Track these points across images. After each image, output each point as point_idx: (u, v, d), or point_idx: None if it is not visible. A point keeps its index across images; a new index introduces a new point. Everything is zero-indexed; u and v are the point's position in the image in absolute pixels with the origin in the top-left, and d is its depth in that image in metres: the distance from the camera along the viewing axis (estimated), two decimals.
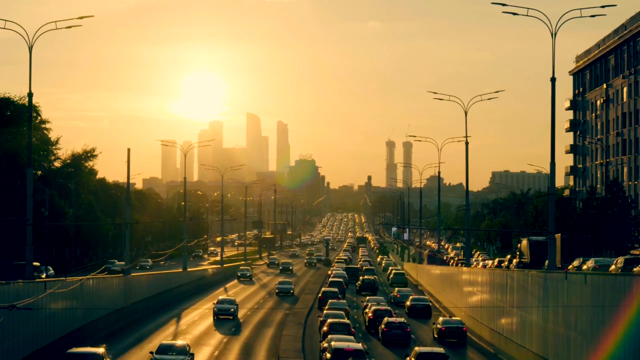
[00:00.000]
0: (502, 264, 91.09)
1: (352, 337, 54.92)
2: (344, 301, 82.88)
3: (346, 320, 63.17)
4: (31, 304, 44.03)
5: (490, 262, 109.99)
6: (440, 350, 50.23)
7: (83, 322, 60.44)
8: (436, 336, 66.96)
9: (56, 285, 51.70)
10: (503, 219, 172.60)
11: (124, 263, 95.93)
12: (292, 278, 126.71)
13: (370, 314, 71.30)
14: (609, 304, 37.76)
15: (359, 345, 50.64)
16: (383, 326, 63.51)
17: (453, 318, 71.61)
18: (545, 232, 70.68)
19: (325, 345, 52.05)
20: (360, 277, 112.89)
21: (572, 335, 43.67)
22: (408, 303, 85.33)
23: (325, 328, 60.18)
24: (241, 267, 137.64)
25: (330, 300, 77.87)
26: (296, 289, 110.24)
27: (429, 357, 48.21)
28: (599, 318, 39.15)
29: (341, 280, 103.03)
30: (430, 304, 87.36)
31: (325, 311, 70.31)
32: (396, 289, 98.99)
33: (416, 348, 50.75)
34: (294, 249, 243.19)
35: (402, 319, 66.15)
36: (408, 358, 50.05)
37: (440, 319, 69.85)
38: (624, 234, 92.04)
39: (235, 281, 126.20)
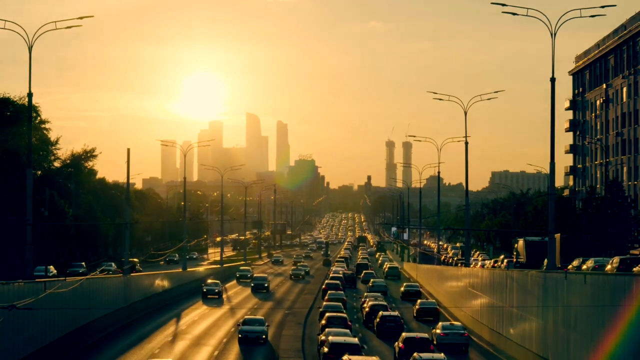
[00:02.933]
0: (496, 264, 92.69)
1: (348, 331, 57.94)
2: (342, 292, 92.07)
3: (343, 314, 67.38)
4: (31, 304, 44.02)
5: (488, 262, 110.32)
6: (425, 335, 55.57)
7: (83, 322, 60.40)
8: (415, 315, 79.76)
9: (56, 285, 51.69)
10: (502, 219, 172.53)
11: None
12: (268, 303, 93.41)
13: (367, 308, 75.66)
14: (609, 304, 37.79)
15: (355, 340, 52.98)
16: (378, 319, 67.95)
17: (429, 300, 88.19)
18: (544, 232, 70.73)
19: (323, 338, 54.77)
20: (341, 272, 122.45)
21: (571, 335, 43.69)
22: (402, 289, 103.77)
23: (323, 321, 64.12)
24: (208, 281, 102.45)
25: (329, 291, 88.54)
26: (275, 323, 75.45)
27: (414, 341, 53.60)
28: (599, 318, 39.16)
29: (341, 275, 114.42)
30: (421, 290, 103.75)
31: (324, 302, 78.27)
32: (372, 280, 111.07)
33: (403, 334, 56.02)
34: (277, 254, 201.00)
35: (396, 313, 71.16)
36: (397, 343, 55.01)
37: (419, 301, 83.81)
38: (623, 234, 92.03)
39: (200, 302, 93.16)
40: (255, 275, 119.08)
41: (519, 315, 55.46)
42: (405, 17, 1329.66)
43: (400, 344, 53.70)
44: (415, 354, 47.30)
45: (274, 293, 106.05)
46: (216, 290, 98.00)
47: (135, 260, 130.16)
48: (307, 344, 62.00)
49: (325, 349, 51.11)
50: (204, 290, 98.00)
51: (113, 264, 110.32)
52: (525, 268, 72.24)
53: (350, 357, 45.53)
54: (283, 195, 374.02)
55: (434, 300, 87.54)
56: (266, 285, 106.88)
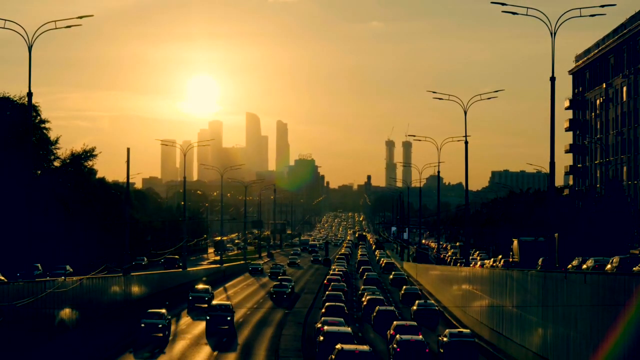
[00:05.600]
0: (495, 264, 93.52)
1: (342, 321, 61.58)
2: (344, 284, 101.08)
3: (341, 304, 74.14)
4: (31, 303, 43.99)
5: (487, 261, 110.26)
6: (414, 323, 61.48)
7: (83, 321, 60.26)
8: (401, 299, 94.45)
9: (56, 285, 51.65)
10: (502, 218, 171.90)
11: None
12: (228, 356, 57.86)
13: (365, 302, 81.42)
14: (609, 303, 37.75)
15: (348, 329, 56.96)
16: (375, 314, 72.25)
17: (413, 287, 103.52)
18: (537, 232, 70.78)
19: (319, 326, 59.19)
20: (335, 267, 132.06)
21: (571, 335, 43.67)
22: (391, 277, 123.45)
23: (323, 310, 71.64)
24: (151, 311, 65.64)
25: (332, 283, 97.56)
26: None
27: (405, 327, 59.01)
28: (599, 317, 39.13)
29: (341, 272, 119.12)
30: (406, 278, 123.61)
31: (327, 292, 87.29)
32: (366, 273, 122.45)
33: (395, 322, 61.11)
34: (256, 262, 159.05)
35: (392, 308, 75.95)
36: (389, 331, 60.09)
37: (404, 287, 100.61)
38: (623, 233, 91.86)
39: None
40: (214, 302, 77.43)
41: (519, 315, 55.44)
42: (406, 17, 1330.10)
43: (392, 331, 59.39)
44: (397, 336, 53.81)
45: (240, 329, 70.55)
46: (160, 326, 63.68)
47: (176, 257, 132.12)
48: (307, 344, 62.02)
49: (321, 338, 54.71)
50: (142, 325, 63.47)
51: (68, 267, 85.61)
52: (519, 268, 72.65)
53: (343, 345, 47.64)
54: (283, 194, 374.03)
55: (417, 287, 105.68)
56: (229, 318, 68.51)
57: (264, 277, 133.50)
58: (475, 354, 56.01)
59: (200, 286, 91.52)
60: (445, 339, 56.59)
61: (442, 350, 56.54)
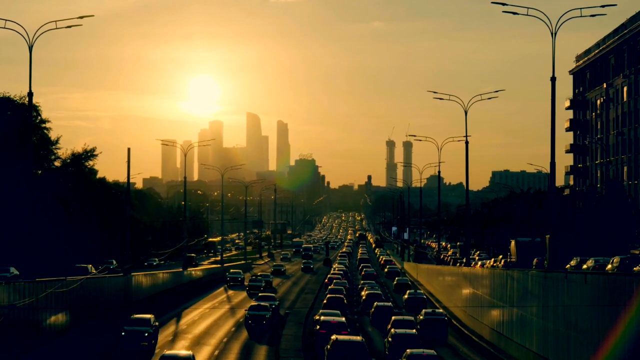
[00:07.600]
0: (495, 264, 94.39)
1: (339, 312, 66.68)
2: (345, 280, 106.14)
3: (341, 296, 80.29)
4: (31, 303, 43.96)
5: (488, 262, 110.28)
6: (411, 318, 65.66)
7: (83, 321, 60.28)
8: (394, 289, 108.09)
9: (56, 285, 51.63)
10: (503, 218, 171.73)
11: None
12: None
13: (364, 297, 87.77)
14: (609, 303, 37.75)
15: (343, 319, 62.65)
16: (373, 309, 76.11)
17: (404, 277, 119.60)
18: (536, 232, 70.85)
19: (317, 318, 64.20)
20: (336, 266, 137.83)
21: (572, 335, 43.66)
22: (386, 270, 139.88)
23: (325, 301, 78.12)
24: None
25: (334, 280, 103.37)
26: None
27: (402, 322, 62.79)
28: (599, 318, 39.13)
29: (342, 272, 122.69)
30: (400, 270, 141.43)
31: (330, 287, 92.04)
32: (364, 269, 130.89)
33: (393, 317, 65.10)
34: (236, 271, 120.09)
35: (389, 304, 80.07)
36: (388, 326, 63.34)
37: (397, 278, 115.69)
38: (623, 233, 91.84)
39: None
40: (167, 352, 47.02)
41: (519, 315, 55.44)
42: (406, 17, 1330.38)
43: (390, 325, 62.94)
44: (392, 330, 58.05)
45: None
46: None
47: (193, 255, 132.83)
48: (307, 335, 62.37)
49: (318, 327, 60.34)
50: None
51: (12, 269, 62.32)
52: (516, 267, 73.36)
53: (338, 336, 51.71)
54: (283, 194, 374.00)
55: (408, 278, 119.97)
56: None
57: (243, 290, 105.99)
58: (445, 328, 66.87)
59: (139, 316, 61.69)
60: (421, 317, 67.81)
61: (419, 327, 64.96)
